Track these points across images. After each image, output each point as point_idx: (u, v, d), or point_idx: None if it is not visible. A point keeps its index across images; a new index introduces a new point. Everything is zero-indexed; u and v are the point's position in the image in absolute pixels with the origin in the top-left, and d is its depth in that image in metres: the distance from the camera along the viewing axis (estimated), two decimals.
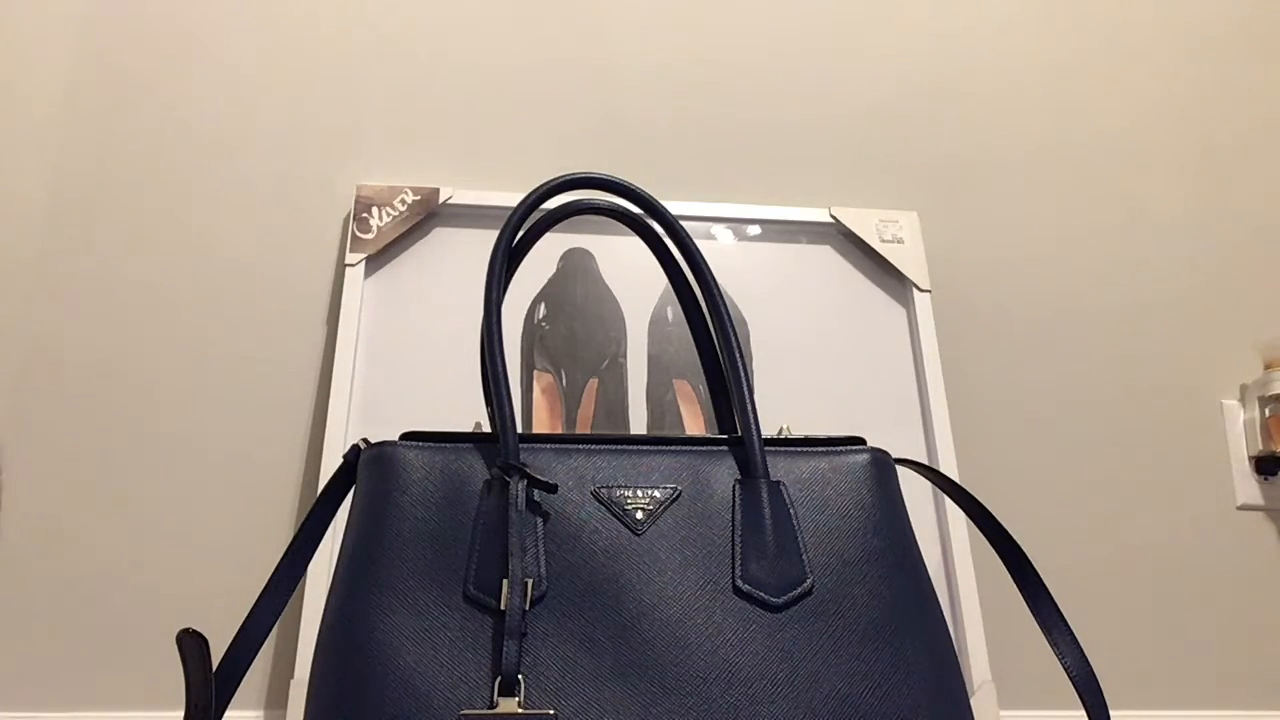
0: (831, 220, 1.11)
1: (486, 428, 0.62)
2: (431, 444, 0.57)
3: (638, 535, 0.55)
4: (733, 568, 0.55)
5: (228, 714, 0.56)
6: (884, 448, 0.62)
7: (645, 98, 1.17)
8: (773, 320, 1.06)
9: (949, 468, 1.00)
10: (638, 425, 0.99)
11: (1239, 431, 1.13)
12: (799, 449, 0.61)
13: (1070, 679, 0.56)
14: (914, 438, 1.03)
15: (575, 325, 1.03)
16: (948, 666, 0.54)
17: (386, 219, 1.03)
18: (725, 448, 0.60)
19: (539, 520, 0.55)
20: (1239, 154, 1.27)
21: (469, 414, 0.93)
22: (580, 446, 0.58)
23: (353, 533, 0.55)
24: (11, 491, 0.93)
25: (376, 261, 1.03)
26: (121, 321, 1.00)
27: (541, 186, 0.65)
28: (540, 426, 0.98)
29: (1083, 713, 0.56)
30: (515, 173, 1.11)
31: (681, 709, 0.49)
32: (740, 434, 0.60)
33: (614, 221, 0.70)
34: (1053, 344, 1.14)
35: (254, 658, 0.57)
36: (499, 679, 0.48)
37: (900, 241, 1.11)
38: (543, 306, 1.03)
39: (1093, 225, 1.20)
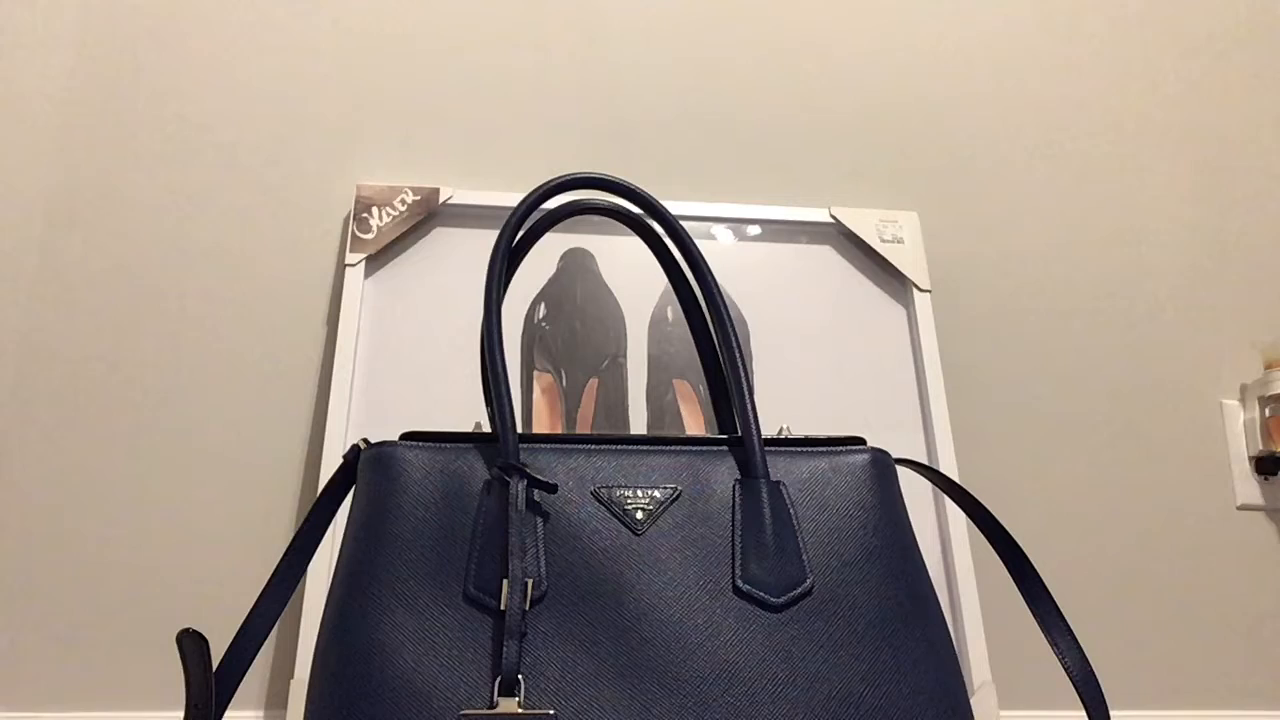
0: (831, 220, 1.11)
1: (486, 428, 0.62)
2: (431, 444, 0.58)
3: (638, 535, 0.55)
4: (733, 568, 0.55)
5: (228, 714, 0.56)
6: (884, 448, 0.62)
7: (645, 98, 1.17)
8: (773, 320, 1.06)
9: (949, 468, 1.00)
10: (638, 425, 0.99)
11: (1239, 431, 1.13)
12: (799, 449, 0.61)
13: (1070, 679, 0.56)
14: (914, 438, 1.03)
15: (575, 325, 1.03)
16: (948, 666, 0.54)
17: (386, 219, 1.03)
18: (725, 448, 0.60)
19: (539, 520, 0.55)
20: (1239, 155, 1.27)
21: (469, 414, 0.94)
22: (580, 446, 0.58)
23: (353, 533, 0.55)
24: (11, 491, 0.93)
25: (376, 261, 1.03)
26: (121, 321, 1.00)
27: (541, 186, 0.66)
28: (540, 426, 0.98)
29: (1083, 713, 0.56)
30: (515, 173, 1.11)
31: (681, 709, 0.49)
32: (740, 434, 0.61)
33: (614, 221, 0.70)
34: (1052, 344, 1.14)
35: (254, 658, 0.57)
36: (499, 679, 0.48)
37: (900, 241, 1.11)
38: (543, 306, 1.03)
39: (1093, 225, 1.20)
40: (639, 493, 0.57)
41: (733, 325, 0.64)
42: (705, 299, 0.66)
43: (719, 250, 1.09)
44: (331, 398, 0.95)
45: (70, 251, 1.02)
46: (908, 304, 1.09)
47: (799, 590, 0.54)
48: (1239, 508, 1.11)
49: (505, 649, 0.49)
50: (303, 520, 0.60)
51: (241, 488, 0.96)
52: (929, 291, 1.09)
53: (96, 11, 1.10)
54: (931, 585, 0.58)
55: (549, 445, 0.58)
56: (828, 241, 1.12)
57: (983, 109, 1.23)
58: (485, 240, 1.03)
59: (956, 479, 1.00)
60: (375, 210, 1.04)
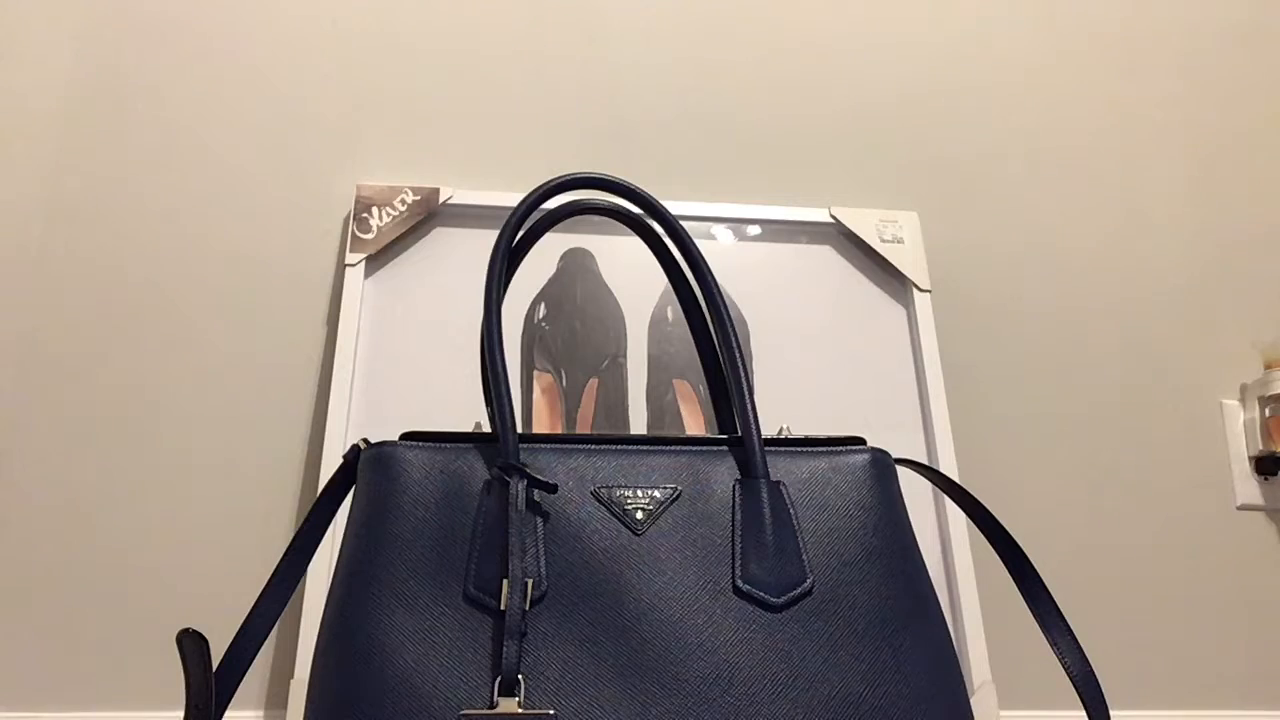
0: (831, 220, 1.11)
1: (486, 428, 0.62)
2: (431, 444, 0.58)
3: (638, 535, 0.55)
4: (733, 568, 0.55)
5: (228, 714, 0.56)
6: (884, 448, 0.62)
7: (645, 98, 1.17)
8: (773, 320, 1.06)
9: (949, 468, 1.00)
10: (638, 425, 0.99)
11: (1239, 431, 1.13)
12: (799, 449, 0.61)
13: (1070, 679, 0.56)
14: (914, 438, 1.03)
15: (575, 325, 1.03)
16: (948, 666, 0.54)
17: (386, 219, 1.03)
18: (725, 448, 0.60)
19: (539, 520, 0.55)
20: (1238, 154, 1.27)
21: (469, 414, 0.93)
22: (580, 446, 0.58)
23: (353, 533, 0.55)
24: (11, 491, 0.93)
25: (376, 261, 1.03)
26: (121, 322, 1.00)
27: (541, 186, 0.66)
28: (540, 426, 0.98)
29: (1083, 713, 0.56)
30: (515, 173, 1.11)
31: (681, 709, 0.49)
32: (740, 434, 0.60)
33: (614, 221, 0.70)
34: (1052, 344, 1.14)
35: (254, 658, 0.57)
36: (499, 679, 0.48)
37: (900, 241, 1.11)
38: (543, 306, 1.03)
39: (1093, 225, 1.20)
40: (639, 493, 0.57)
41: (733, 325, 0.64)
42: (705, 299, 0.66)
43: (719, 250, 1.09)
44: (331, 398, 0.95)
45: (70, 251, 1.02)
46: (908, 304, 1.09)
47: (799, 590, 0.54)
48: (1239, 508, 1.11)
49: (505, 649, 0.49)
50: (303, 520, 0.60)
51: (241, 488, 0.96)
52: (929, 291, 1.09)
53: (96, 12, 1.10)
54: (931, 585, 0.58)
55: (549, 445, 0.58)
56: (828, 241, 1.12)
57: (983, 109, 1.23)
58: (485, 240, 1.03)
59: (956, 479, 1.00)
60: (375, 210, 1.04)
